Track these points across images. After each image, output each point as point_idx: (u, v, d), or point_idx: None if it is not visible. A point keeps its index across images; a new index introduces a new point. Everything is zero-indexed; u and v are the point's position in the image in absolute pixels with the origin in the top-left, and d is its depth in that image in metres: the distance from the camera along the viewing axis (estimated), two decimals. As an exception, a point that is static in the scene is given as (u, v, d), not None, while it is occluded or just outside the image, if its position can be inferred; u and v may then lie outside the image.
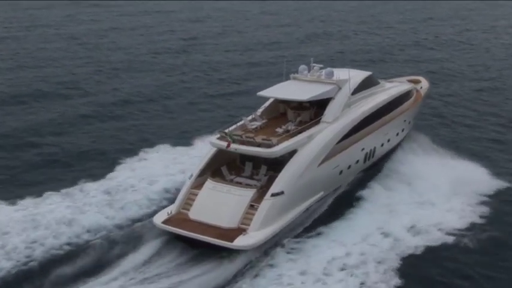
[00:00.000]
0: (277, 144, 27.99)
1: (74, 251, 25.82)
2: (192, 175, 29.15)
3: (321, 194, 29.59)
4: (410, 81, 41.10)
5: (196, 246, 26.05)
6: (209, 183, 28.21)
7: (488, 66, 60.90)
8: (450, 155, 34.79)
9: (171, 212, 27.69)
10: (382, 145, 34.71)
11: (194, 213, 27.29)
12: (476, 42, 72.66)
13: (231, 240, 25.19)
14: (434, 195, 30.57)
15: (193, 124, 43.06)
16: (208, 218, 26.79)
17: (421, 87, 40.77)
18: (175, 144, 37.49)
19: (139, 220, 28.49)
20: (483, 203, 30.32)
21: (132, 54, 64.88)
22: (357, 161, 32.47)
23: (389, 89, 36.05)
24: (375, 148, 33.83)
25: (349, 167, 31.75)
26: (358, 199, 30.38)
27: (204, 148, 32.59)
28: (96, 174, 33.00)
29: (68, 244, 26.27)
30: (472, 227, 28.22)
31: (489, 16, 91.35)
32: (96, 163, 35.72)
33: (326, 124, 30.46)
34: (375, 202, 30.02)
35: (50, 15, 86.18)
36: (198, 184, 28.64)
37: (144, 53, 65.94)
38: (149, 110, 47.00)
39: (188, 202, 28.07)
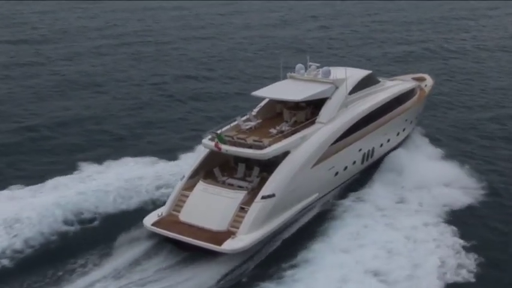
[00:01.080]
0: (269, 145, 27.51)
1: (58, 249, 25.87)
2: (184, 176, 28.85)
3: (316, 195, 29.09)
4: (415, 78, 40.27)
5: (186, 248, 25.82)
6: (200, 185, 27.86)
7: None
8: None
9: (161, 214, 27.39)
10: (382, 145, 34.05)
11: (184, 215, 26.97)
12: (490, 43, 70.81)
13: (220, 244, 24.82)
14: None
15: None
16: (198, 220, 26.45)
17: (426, 85, 39.93)
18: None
19: (130, 221, 28.27)
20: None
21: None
22: (354, 162, 31.87)
23: (390, 88, 35.28)
24: (373, 149, 33.20)
25: (346, 168, 31.18)
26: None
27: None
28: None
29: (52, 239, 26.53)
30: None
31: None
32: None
33: (321, 125, 29.88)
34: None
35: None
36: (189, 185, 28.28)
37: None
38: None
39: (179, 204, 27.73)
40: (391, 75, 42.67)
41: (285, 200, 27.07)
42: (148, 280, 24.08)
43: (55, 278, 24.07)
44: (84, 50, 63.67)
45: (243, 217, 26.04)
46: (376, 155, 33.76)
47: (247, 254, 25.25)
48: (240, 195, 26.90)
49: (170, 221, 26.87)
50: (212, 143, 28.18)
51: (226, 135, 28.40)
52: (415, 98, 36.87)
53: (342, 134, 30.33)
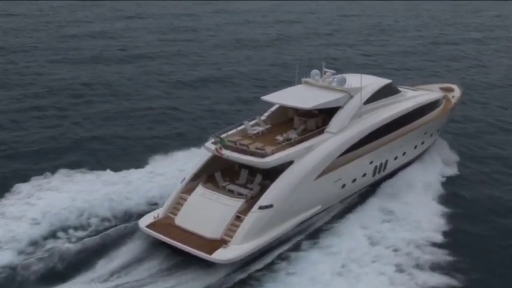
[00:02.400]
0: (271, 154, 26.64)
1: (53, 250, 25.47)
2: (184, 179, 28.24)
3: (318, 208, 28.10)
4: (442, 88, 38.58)
5: (179, 253, 25.25)
6: (199, 189, 27.24)
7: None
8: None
9: (157, 216, 26.92)
10: (396, 158, 32.74)
11: (180, 219, 26.41)
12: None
13: (210, 253, 24.16)
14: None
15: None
16: (193, 225, 25.86)
17: (453, 96, 38.18)
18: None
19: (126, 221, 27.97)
20: None
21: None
22: (364, 175, 30.72)
23: (411, 99, 33.87)
24: (386, 161, 31.94)
25: (354, 180, 30.07)
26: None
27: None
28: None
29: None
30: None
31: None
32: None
33: (330, 135, 28.83)
34: None
35: None
36: (189, 189, 27.70)
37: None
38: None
39: (176, 207, 27.21)
40: (421, 82, 41.15)
41: (284, 211, 26.19)
42: (140, 283, 23.58)
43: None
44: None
45: (238, 226, 25.31)
46: (390, 168, 32.50)
47: (237, 265, 24.52)
48: (237, 203, 26.14)
49: (165, 224, 26.37)
50: (214, 147, 27.46)
51: (229, 140, 27.63)
52: (437, 110, 35.30)
53: (351, 145, 29.22)
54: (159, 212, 27.15)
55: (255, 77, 54.33)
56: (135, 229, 26.74)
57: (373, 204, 29.88)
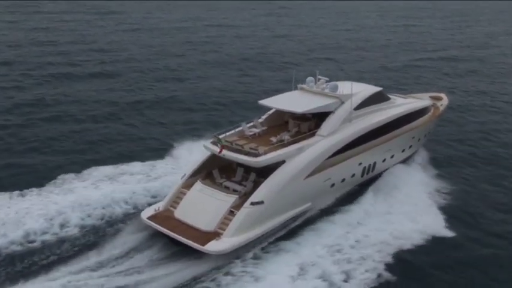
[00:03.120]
0: (264, 154, 28.81)
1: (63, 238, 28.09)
2: (184, 175, 30.55)
3: (308, 205, 30.24)
4: (432, 97, 40.73)
5: (176, 244, 27.45)
6: (197, 185, 29.51)
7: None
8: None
9: (158, 209, 29.21)
10: (384, 160, 34.86)
11: (179, 213, 28.68)
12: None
13: (203, 244, 26.33)
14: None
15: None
16: (190, 218, 28.09)
17: (441, 104, 40.34)
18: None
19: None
20: None
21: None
22: (353, 175, 32.86)
23: (400, 106, 36.00)
24: (375, 163, 34.07)
25: (343, 180, 32.23)
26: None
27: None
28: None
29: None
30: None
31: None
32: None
33: (320, 137, 30.97)
34: None
35: None
36: (188, 184, 29.98)
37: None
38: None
39: (176, 201, 29.47)
40: (412, 91, 43.39)
41: (274, 207, 28.32)
42: (136, 270, 25.79)
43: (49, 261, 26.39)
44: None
45: (230, 220, 27.49)
46: (378, 169, 34.64)
47: (229, 256, 26.54)
48: (231, 199, 28.34)
49: (165, 216, 28.62)
50: (213, 147, 29.75)
51: (226, 140, 29.87)
52: (425, 117, 37.45)
53: (341, 147, 31.34)
54: (159, 205, 29.47)
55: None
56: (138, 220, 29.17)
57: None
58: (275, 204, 28.37)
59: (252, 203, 27.77)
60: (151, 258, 26.82)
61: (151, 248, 27.61)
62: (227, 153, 29.27)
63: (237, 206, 28.13)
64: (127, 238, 28.24)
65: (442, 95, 42.16)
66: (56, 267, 25.70)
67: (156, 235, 28.31)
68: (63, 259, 26.39)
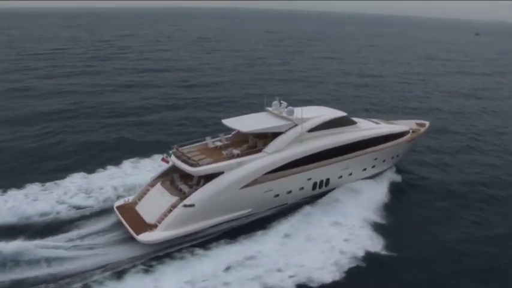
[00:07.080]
0: (204, 165, 34.48)
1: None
2: (154, 176, 37.58)
3: (249, 210, 35.41)
4: (417, 124, 43.12)
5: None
6: (158, 185, 36.30)
7: None
8: None
9: (128, 200, 36.41)
10: (341, 177, 38.57)
11: (139, 206, 35.66)
12: None
13: (138, 233, 32.63)
14: None
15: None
16: (142, 211, 34.88)
17: (418, 131, 43.22)
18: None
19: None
20: None
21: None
22: (302, 188, 37.23)
23: (365, 130, 39.55)
24: (328, 179, 38.00)
25: (290, 192, 36.79)
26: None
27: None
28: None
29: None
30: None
31: None
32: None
33: (264, 154, 35.84)
34: None
35: None
36: (154, 184, 36.81)
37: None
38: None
39: (142, 195, 36.48)
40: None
41: (204, 211, 33.69)
42: (89, 247, 32.92)
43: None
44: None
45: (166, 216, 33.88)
46: (334, 185, 38.53)
47: (161, 246, 32.61)
48: (173, 199, 34.43)
49: (128, 207, 35.63)
50: (163, 156, 36.16)
51: (179, 151, 36.15)
52: (395, 141, 40.26)
53: (287, 163, 35.85)
54: (129, 198, 36.77)
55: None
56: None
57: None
58: (207, 208, 33.70)
59: (185, 205, 33.50)
60: (108, 240, 33.98)
61: (114, 232, 34.96)
62: (176, 162, 35.47)
63: (176, 205, 34.05)
64: (100, 221, 36.02)
65: (427, 122, 44.16)
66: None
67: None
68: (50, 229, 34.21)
